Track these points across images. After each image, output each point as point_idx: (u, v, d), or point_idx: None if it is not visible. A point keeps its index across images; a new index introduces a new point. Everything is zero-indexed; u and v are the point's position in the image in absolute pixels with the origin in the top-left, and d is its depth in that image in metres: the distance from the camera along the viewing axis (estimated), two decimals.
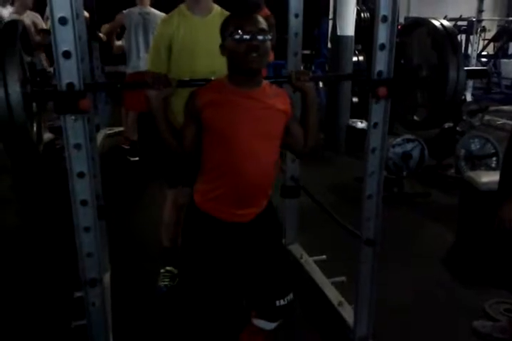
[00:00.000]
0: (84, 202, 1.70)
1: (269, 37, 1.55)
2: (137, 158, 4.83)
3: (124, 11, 4.70)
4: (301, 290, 2.56)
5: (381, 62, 1.82)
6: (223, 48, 1.59)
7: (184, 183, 2.35)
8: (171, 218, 2.51)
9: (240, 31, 1.52)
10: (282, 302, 1.75)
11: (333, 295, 2.38)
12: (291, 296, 1.77)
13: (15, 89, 1.51)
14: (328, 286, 2.46)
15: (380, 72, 1.82)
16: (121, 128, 5.40)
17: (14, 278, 2.71)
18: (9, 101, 1.50)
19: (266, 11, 5.02)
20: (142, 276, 2.67)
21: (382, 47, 1.81)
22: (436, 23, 1.97)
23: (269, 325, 1.83)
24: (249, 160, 1.60)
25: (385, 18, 1.78)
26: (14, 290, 2.59)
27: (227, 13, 2.15)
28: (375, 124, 1.88)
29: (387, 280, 2.47)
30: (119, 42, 4.95)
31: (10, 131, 1.56)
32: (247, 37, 1.51)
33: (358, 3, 5.20)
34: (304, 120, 1.72)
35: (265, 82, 1.67)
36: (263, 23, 1.55)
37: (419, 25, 2.12)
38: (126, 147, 4.96)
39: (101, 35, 5.08)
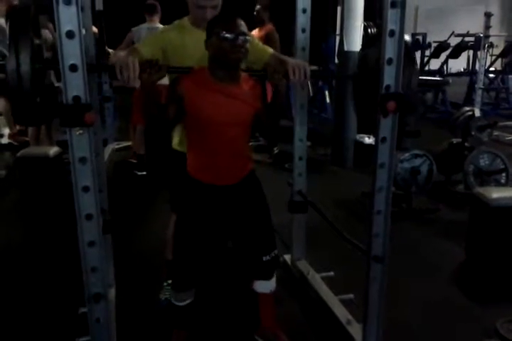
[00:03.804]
0: (89, 217, 1.69)
1: (249, 38, 1.85)
2: (144, 172, 4.83)
3: (133, 28, 4.77)
4: (309, 308, 2.54)
5: (389, 77, 1.81)
6: (207, 44, 1.88)
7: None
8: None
9: (224, 32, 1.80)
10: (268, 257, 2.08)
11: (341, 313, 2.34)
12: (275, 252, 2.11)
13: (26, 61, 1.70)
14: (336, 304, 2.42)
15: (388, 87, 1.81)
16: (129, 143, 5.42)
17: (18, 293, 2.68)
18: (20, 72, 1.70)
19: (270, 26, 5.06)
20: (147, 292, 2.64)
21: (390, 61, 1.80)
22: None
23: (267, 285, 2.18)
24: (225, 144, 1.93)
25: (392, 33, 1.77)
26: (18, 306, 2.56)
27: None
28: (383, 139, 1.86)
29: (396, 297, 2.42)
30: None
31: (19, 96, 1.73)
32: (231, 37, 1.80)
33: (365, 19, 5.21)
34: (268, 106, 2.00)
35: (244, 75, 1.97)
36: (244, 27, 1.85)
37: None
38: (134, 161, 4.96)
39: (110, 50, 5.12)
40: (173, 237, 2.16)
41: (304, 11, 2.50)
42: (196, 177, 1.99)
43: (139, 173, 4.83)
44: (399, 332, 2.28)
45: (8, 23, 5.09)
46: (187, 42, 2.20)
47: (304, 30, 2.53)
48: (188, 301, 2.16)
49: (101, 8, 5.46)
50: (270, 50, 2.35)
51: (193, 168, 2.00)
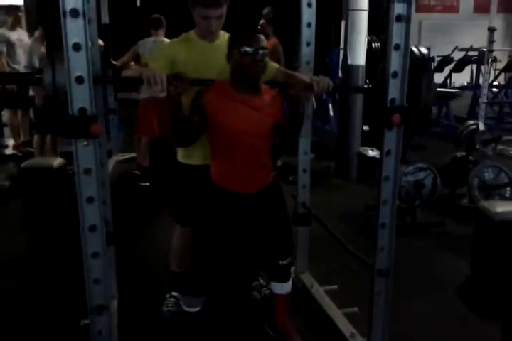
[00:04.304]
0: (92, 228, 1.69)
1: (267, 52, 1.94)
2: (148, 184, 4.83)
3: (139, 42, 4.83)
4: (312, 321, 2.52)
5: (394, 90, 1.82)
6: (229, 58, 1.96)
7: (185, 225, 2.41)
8: (179, 243, 2.50)
9: (245, 46, 1.89)
10: (284, 262, 2.20)
11: (345, 326, 2.31)
12: (289, 259, 2.23)
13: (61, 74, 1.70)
14: (339, 317, 2.40)
15: (392, 100, 1.82)
16: (133, 155, 5.43)
17: (21, 304, 2.67)
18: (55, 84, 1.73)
19: (274, 40, 5.10)
20: (150, 303, 2.62)
21: (395, 74, 1.81)
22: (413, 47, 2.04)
23: (282, 287, 2.27)
24: (245, 153, 2.01)
25: (397, 46, 1.78)
26: (20, 316, 2.55)
27: None
28: (388, 152, 1.86)
29: (400, 311, 2.40)
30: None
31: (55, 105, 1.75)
32: (251, 51, 1.89)
33: (369, 33, 5.24)
34: (289, 118, 2.08)
35: (264, 87, 2.05)
36: (263, 41, 1.94)
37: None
38: (138, 173, 4.97)
39: (115, 62, 5.16)
40: (194, 244, 2.21)
41: (309, 25, 2.52)
42: (220, 184, 2.06)
43: (142, 184, 4.84)
44: None
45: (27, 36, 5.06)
46: (193, 54, 2.22)
47: (308, 44, 2.54)
48: (197, 308, 2.23)
49: (107, 21, 5.51)
50: (276, 64, 2.37)
51: (216, 176, 2.08)
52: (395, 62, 1.80)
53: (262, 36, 1.95)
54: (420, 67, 2.02)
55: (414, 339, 2.38)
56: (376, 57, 5.58)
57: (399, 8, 1.74)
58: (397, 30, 1.76)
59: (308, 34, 2.53)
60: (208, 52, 2.22)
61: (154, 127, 4.76)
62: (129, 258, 3.08)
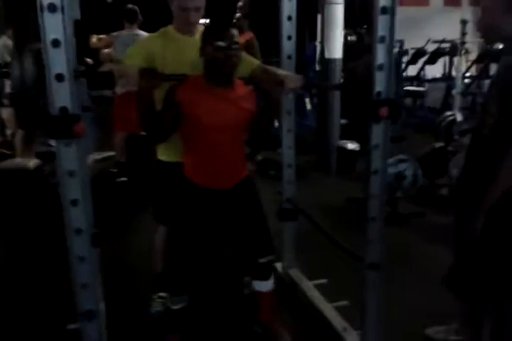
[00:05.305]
0: (78, 231, 1.64)
1: (241, 47, 1.96)
2: (125, 179, 4.74)
3: (114, 33, 4.71)
4: (303, 316, 2.51)
5: (380, 83, 1.81)
6: (202, 52, 1.95)
7: (165, 223, 2.39)
8: (163, 243, 2.47)
9: (218, 41, 1.88)
10: (263, 260, 2.17)
11: (337, 320, 2.31)
12: (271, 257, 2.20)
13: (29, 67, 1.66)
14: (330, 311, 2.39)
15: (379, 93, 1.81)
16: (110, 153, 5.32)
17: (7, 312, 2.59)
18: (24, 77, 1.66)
19: (249, 34, 5.05)
20: (136, 304, 2.58)
21: (381, 67, 1.80)
22: None
23: (264, 285, 2.25)
24: (218, 146, 1.99)
25: (382, 39, 1.78)
26: (7, 325, 2.48)
27: None
28: (376, 145, 1.85)
29: (387, 303, 2.40)
30: (106, 50, 4.90)
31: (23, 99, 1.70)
32: (225, 46, 1.88)
33: (345, 27, 5.24)
34: (261, 112, 2.06)
35: (238, 81, 2.05)
36: (237, 36, 1.94)
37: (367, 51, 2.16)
38: (114, 170, 4.88)
39: (88, 60, 5.04)
40: (167, 242, 2.21)
41: (290, 18, 2.50)
42: (193, 180, 2.04)
43: (120, 180, 4.74)
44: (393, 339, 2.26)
45: None
46: (170, 49, 2.19)
47: (289, 38, 2.52)
48: (182, 305, 2.19)
49: (78, 17, 5.37)
50: (257, 61, 2.36)
51: (190, 172, 2.05)
52: (381, 54, 1.79)
53: (235, 31, 1.95)
54: None
55: (406, 331, 2.38)
56: (353, 50, 5.60)
57: (384, 0, 1.72)
58: (382, 23, 1.76)
59: (288, 27, 2.51)
60: (186, 47, 2.19)
61: (132, 122, 4.67)
62: (112, 259, 3.02)
